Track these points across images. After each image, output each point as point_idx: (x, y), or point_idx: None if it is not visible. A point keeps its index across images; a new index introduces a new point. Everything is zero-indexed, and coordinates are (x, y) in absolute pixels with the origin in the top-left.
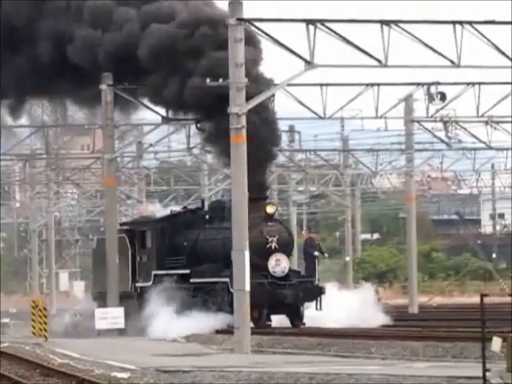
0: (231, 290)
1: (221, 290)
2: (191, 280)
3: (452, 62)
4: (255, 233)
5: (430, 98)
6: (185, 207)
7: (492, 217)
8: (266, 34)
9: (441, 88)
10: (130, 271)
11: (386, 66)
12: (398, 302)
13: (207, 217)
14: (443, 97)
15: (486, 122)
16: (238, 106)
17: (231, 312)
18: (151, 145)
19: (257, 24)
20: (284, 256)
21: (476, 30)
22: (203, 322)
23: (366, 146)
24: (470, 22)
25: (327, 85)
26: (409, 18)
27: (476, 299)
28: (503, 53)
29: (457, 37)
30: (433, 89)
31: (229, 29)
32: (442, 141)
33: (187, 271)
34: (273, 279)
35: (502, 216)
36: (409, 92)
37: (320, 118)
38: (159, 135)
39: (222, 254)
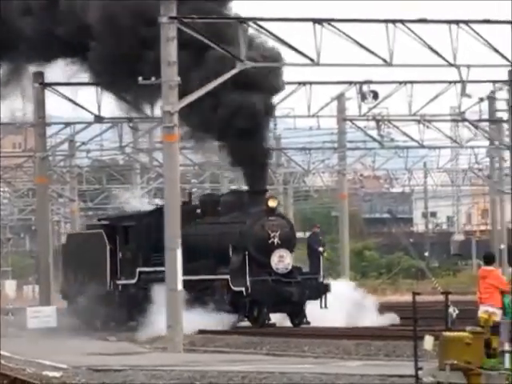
0: (232, 287)
1: (219, 288)
2: (184, 277)
3: (384, 60)
4: (256, 228)
5: (363, 97)
6: None
7: (424, 215)
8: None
9: (373, 87)
10: (108, 269)
11: (318, 64)
12: None
13: (198, 211)
14: (375, 95)
15: (419, 121)
16: (171, 105)
17: (231, 311)
18: (83, 143)
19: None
20: (287, 252)
21: (408, 28)
22: (200, 320)
23: (298, 144)
24: (402, 21)
25: None
26: (341, 17)
27: (408, 297)
28: (435, 51)
29: (389, 35)
30: (365, 87)
31: (161, 27)
32: (375, 139)
33: None
34: (276, 276)
35: (434, 214)
36: (341, 91)
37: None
38: (91, 133)
39: (217, 251)
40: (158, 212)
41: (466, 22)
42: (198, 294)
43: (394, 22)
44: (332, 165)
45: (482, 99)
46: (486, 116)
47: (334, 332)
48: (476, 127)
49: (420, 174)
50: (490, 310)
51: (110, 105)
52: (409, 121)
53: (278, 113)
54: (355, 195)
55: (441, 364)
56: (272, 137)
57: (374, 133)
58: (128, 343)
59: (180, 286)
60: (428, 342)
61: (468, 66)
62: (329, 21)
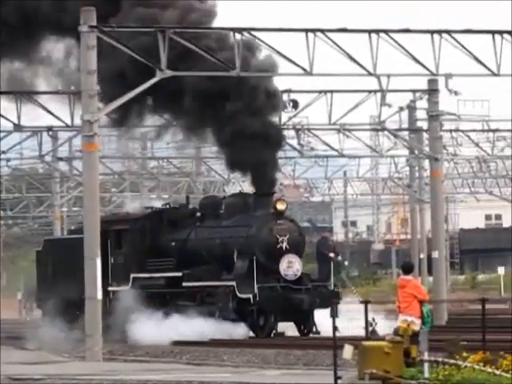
0: (238, 294)
1: (223, 296)
2: (184, 284)
3: (304, 69)
4: (264, 232)
5: (283, 106)
6: (167, 204)
7: (344, 224)
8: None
9: (293, 96)
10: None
11: (239, 74)
12: None
13: (198, 214)
14: (295, 104)
15: (338, 130)
16: (91, 114)
17: (236, 319)
18: (3, 152)
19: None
20: (296, 257)
21: (328, 38)
22: (201, 328)
23: (218, 153)
24: (322, 30)
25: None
26: (262, 26)
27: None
28: (355, 60)
29: (309, 45)
30: (285, 96)
31: (81, 36)
32: (294, 148)
33: (178, 274)
34: (285, 283)
35: (353, 224)
36: None
37: (173, 125)
38: (11, 142)
39: (220, 256)
40: (154, 215)
41: (386, 32)
42: (200, 302)
43: (314, 31)
44: None
45: (401, 108)
46: (405, 125)
47: (253, 341)
48: (396, 136)
49: (340, 183)
50: (408, 320)
51: (29, 113)
52: (329, 130)
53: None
54: None
55: (360, 373)
56: (192, 146)
57: (293, 142)
58: (48, 352)
59: (99, 295)
60: (347, 351)
61: (388, 76)
62: (248, 30)
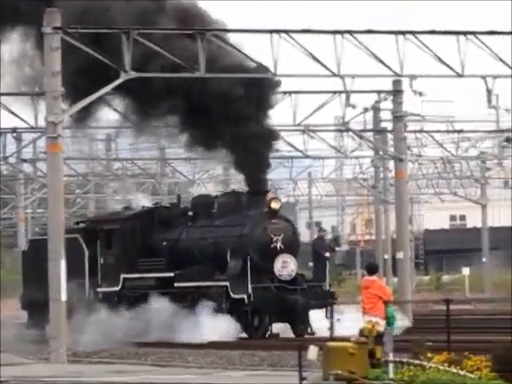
0: (232, 295)
1: (217, 296)
2: (176, 284)
3: (269, 70)
4: (258, 231)
5: None
6: (157, 203)
7: (309, 225)
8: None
9: None
10: (87, 275)
11: (203, 75)
12: None
13: (190, 213)
14: None
15: (303, 131)
16: (55, 115)
17: (230, 320)
18: None
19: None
20: (291, 257)
21: (292, 38)
22: (198, 329)
23: (183, 155)
24: (286, 31)
25: None
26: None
27: None
28: (319, 61)
29: (273, 45)
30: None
31: (44, 38)
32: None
33: (170, 274)
34: (280, 283)
35: (318, 224)
36: None
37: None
38: None
39: (212, 256)
40: (144, 214)
41: (350, 32)
42: (192, 303)
43: (278, 32)
44: (217, 175)
45: (366, 109)
46: (370, 126)
47: (218, 342)
48: (360, 137)
49: (304, 184)
50: (373, 320)
51: None
52: (293, 131)
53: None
54: None
55: (325, 374)
56: (157, 147)
57: None
58: (12, 354)
59: (64, 297)
60: (312, 352)
61: (352, 76)
62: (212, 30)
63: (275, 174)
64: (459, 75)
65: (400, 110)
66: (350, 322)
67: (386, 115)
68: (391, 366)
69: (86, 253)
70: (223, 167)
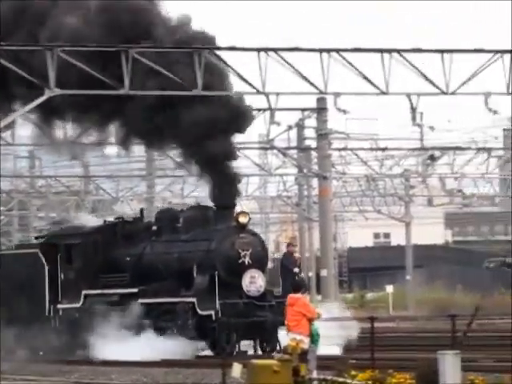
0: (199, 311)
1: (183, 312)
2: (140, 301)
3: (189, 89)
4: (225, 246)
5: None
6: (120, 217)
7: None
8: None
9: None
10: (47, 292)
11: (128, 93)
12: None
13: (154, 228)
14: None
15: None
16: None
17: (196, 337)
18: None
19: None
20: (260, 273)
21: (216, 56)
22: (162, 347)
23: (106, 172)
24: (210, 48)
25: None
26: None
27: None
28: (243, 78)
29: (195, 63)
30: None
31: None
32: (184, 166)
33: (134, 290)
34: (248, 299)
35: None
36: None
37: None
38: None
39: (178, 271)
40: (107, 228)
41: (275, 50)
42: (156, 320)
43: (200, 49)
44: (141, 192)
45: (290, 127)
46: (294, 144)
47: (143, 361)
48: (284, 155)
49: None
50: (297, 338)
51: None
52: None
53: (86, 140)
54: None
55: None
56: (80, 164)
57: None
58: None
59: None
60: (236, 369)
61: (277, 94)
62: (135, 47)
63: (199, 192)
64: (383, 93)
65: (324, 127)
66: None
67: (310, 133)
68: (315, 383)
69: (46, 268)
70: (147, 184)
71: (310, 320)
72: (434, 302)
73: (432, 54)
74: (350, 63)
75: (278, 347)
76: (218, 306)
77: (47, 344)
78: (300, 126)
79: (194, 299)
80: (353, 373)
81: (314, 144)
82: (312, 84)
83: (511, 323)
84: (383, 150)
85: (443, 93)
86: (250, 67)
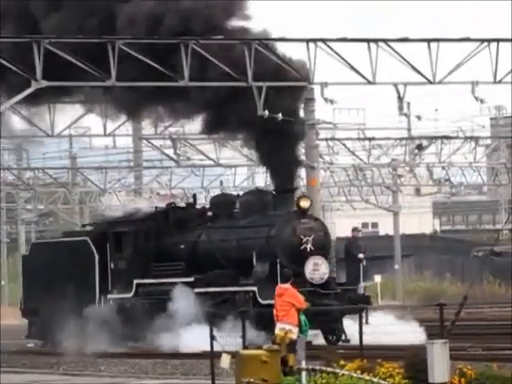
0: (260, 300)
1: (243, 302)
2: (196, 290)
3: (176, 81)
4: (287, 232)
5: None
6: (171, 203)
7: None
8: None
9: None
10: (97, 281)
11: (113, 84)
12: None
13: (209, 214)
14: None
15: (215, 140)
16: None
17: (257, 327)
18: None
19: None
20: (323, 259)
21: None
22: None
23: (94, 163)
24: (195, 39)
25: (55, 103)
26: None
27: None
28: (229, 70)
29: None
30: (160, 108)
31: None
32: (171, 158)
33: (190, 279)
34: (312, 287)
35: None
36: None
37: (48, 135)
38: None
39: (235, 259)
40: (158, 215)
41: (260, 40)
42: (214, 309)
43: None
44: (128, 184)
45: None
46: None
47: (131, 351)
48: None
49: (217, 192)
50: (286, 328)
51: None
52: (205, 139)
53: (73, 132)
54: None
55: (238, 382)
56: (68, 156)
57: (170, 151)
58: None
59: None
60: (224, 360)
61: (264, 84)
62: (123, 39)
63: (187, 183)
64: (370, 82)
65: (312, 117)
66: None
67: None
68: (304, 373)
69: (96, 257)
70: (135, 175)
71: (299, 310)
72: (423, 291)
73: (418, 43)
74: (336, 53)
75: (343, 337)
76: None
77: (96, 335)
78: None
79: (254, 288)
80: (341, 362)
81: None
82: (298, 73)
83: (499, 312)
84: (370, 139)
85: (430, 82)
86: (239, 58)
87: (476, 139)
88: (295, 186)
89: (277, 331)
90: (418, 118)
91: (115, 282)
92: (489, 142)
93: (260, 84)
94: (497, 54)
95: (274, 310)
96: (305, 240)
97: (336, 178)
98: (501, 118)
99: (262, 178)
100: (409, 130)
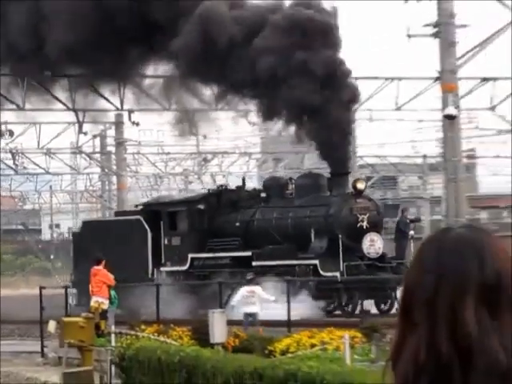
0: (322, 273)
1: (304, 274)
2: (254, 263)
3: (18, 106)
4: (344, 211)
5: (1, 134)
6: (221, 185)
7: (50, 226)
8: None
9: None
10: (150, 256)
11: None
12: None
13: (263, 195)
14: (11, 133)
15: (46, 153)
16: None
17: (318, 298)
18: None
19: None
20: (378, 236)
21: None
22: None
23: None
24: None
25: None
26: None
27: (37, 291)
28: (58, 99)
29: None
30: (3, 127)
31: None
32: (11, 167)
33: (247, 253)
34: (370, 261)
35: (58, 226)
36: None
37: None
38: None
39: (293, 236)
40: (211, 196)
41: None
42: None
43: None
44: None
45: (95, 136)
46: (98, 149)
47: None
48: (91, 158)
49: (47, 194)
50: (99, 301)
51: None
52: (38, 153)
53: None
54: None
55: (61, 342)
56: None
57: (10, 162)
58: None
59: None
60: (51, 325)
61: (84, 110)
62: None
63: (23, 187)
64: (166, 109)
65: (121, 137)
66: None
67: (110, 141)
68: (113, 336)
69: (149, 234)
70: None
71: (109, 286)
72: None
73: None
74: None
75: (395, 306)
76: (342, 267)
77: (148, 307)
78: (103, 136)
79: (315, 261)
80: (142, 327)
81: (113, 149)
82: (111, 103)
83: None
84: (167, 154)
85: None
86: (63, 91)
87: (249, 154)
88: (349, 169)
89: (92, 303)
90: (204, 137)
91: (168, 257)
92: (259, 156)
93: None
94: None
95: (90, 287)
96: (361, 218)
97: (140, 184)
98: (268, 138)
99: (83, 183)
100: (197, 146)
